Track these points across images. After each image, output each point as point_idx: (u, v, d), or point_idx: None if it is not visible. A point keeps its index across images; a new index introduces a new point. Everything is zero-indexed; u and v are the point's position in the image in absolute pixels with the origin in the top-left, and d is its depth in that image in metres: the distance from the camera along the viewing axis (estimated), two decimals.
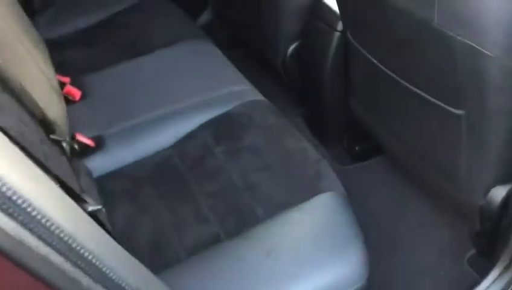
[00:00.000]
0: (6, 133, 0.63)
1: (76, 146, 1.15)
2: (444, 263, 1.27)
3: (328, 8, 1.45)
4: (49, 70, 1.16)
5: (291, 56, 1.63)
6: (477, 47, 0.88)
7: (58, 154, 0.97)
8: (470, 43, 0.88)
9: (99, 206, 0.78)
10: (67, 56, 1.60)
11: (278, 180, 1.09)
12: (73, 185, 0.85)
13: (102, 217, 0.80)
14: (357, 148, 1.57)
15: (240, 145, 1.18)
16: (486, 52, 0.87)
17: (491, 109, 0.95)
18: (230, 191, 1.08)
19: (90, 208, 0.76)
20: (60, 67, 1.52)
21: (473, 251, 1.27)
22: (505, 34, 0.85)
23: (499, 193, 1.04)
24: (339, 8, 1.31)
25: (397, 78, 1.11)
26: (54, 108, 1.08)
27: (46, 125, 0.98)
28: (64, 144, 1.07)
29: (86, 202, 0.78)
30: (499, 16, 0.84)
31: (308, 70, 1.60)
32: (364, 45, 1.22)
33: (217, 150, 1.18)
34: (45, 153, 0.88)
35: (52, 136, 0.98)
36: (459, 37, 0.89)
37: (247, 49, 1.94)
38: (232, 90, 1.35)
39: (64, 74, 1.44)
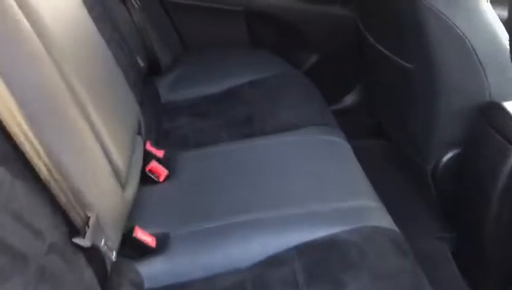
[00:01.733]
0: None
1: (128, 243, 0.89)
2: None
3: (506, 113, 1.03)
4: (118, 149, 0.92)
5: (446, 166, 1.23)
6: None
7: (73, 267, 0.70)
8: None
9: None
10: (175, 124, 1.40)
11: None
12: None
13: None
14: None
15: None
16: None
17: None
18: None
19: None
20: (163, 136, 1.33)
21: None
22: None
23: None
24: None
25: None
26: (105, 199, 0.83)
27: (77, 223, 0.73)
28: (109, 243, 0.81)
29: None
30: None
31: (469, 188, 1.18)
32: None
33: None
34: (42, 268, 0.62)
35: (75, 240, 0.72)
36: None
37: (388, 143, 1.57)
38: (351, 205, 0.98)
39: (161, 146, 1.22)
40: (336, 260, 0.85)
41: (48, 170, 0.69)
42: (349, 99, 1.80)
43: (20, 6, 0.74)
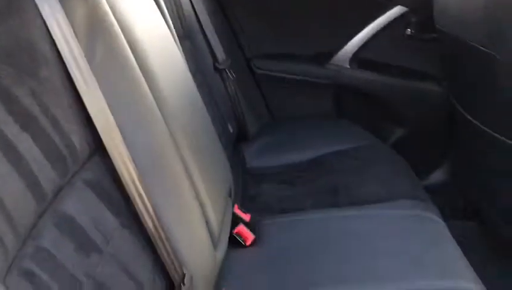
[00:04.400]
0: None
1: None
2: None
3: None
4: (213, 208, 0.94)
5: None
6: None
7: None
8: None
9: None
10: (260, 191, 1.41)
11: None
12: None
13: None
14: None
15: None
16: None
17: None
18: None
19: None
20: (248, 201, 1.34)
21: None
22: None
23: None
24: None
25: None
26: (198, 257, 0.83)
27: (174, 279, 0.74)
28: None
29: None
30: None
31: None
32: None
33: None
34: None
35: None
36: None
37: (481, 223, 1.48)
38: (448, 286, 0.92)
39: (247, 211, 1.23)
40: None
41: (154, 224, 0.71)
42: (436, 177, 1.74)
43: (140, 66, 0.80)
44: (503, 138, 1.18)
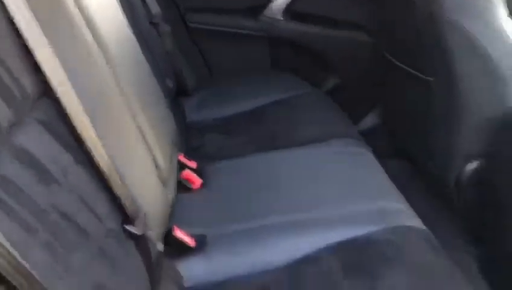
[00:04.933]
0: None
1: (168, 242, 0.93)
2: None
3: None
4: (161, 152, 0.98)
5: (470, 177, 1.26)
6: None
7: (126, 252, 0.75)
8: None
9: None
10: (202, 140, 1.45)
11: None
12: None
13: None
14: None
15: (377, 285, 0.83)
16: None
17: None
18: None
19: None
20: (190, 150, 1.38)
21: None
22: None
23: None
24: None
25: None
26: (150, 195, 0.88)
27: (129, 212, 0.78)
28: (150, 238, 0.85)
29: None
30: None
31: (493, 199, 1.21)
32: None
33: (344, 285, 0.85)
34: (102, 249, 0.67)
35: (128, 227, 0.76)
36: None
37: (411, 161, 1.61)
38: (381, 207, 1.02)
39: (191, 159, 1.28)
40: (373, 255, 0.88)
41: (105, 162, 0.74)
42: (368, 121, 1.85)
43: (85, 18, 0.81)
44: (425, 77, 1.28)
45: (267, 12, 1.76)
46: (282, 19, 1.77)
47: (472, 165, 1.25)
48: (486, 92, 1.16)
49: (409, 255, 0.88)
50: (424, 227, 0.97)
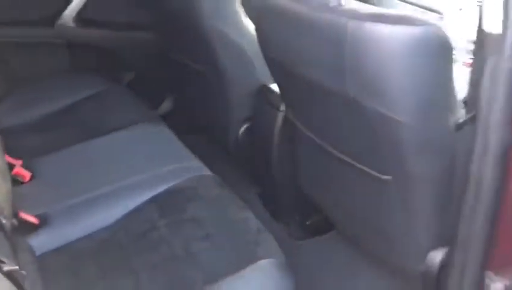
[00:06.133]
0: None
1: (16, 223, 1.15)
2: None
3: (272, 91, 1.54)
4: None
5: (243, 137, 1.70)
6: (388, 114, 0.91)
7: None
8: (381, 111, 0.92)
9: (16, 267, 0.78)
10: (23, 141, 1.64)
11: (218, 248, 1.10)
12: None
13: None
14: (308, 223, 1.59)
15: (183, 217, 1.20)
16: (397, 118, 0.90)
17: (413, 174, 0.97)
18: (171, 262, 1.08)
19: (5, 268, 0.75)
20: (13, 151, 1.56)
21: None
22: (414, 102, 0.90)
23: (436, 257, 1.04)
24: (280, 90, 1.40)
25: (332, 150, 1.17)
26: None
27: None
28: (4, 221, 1.07)
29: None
30: (406, 84, 0.89)
31: (258, 149, 1.66)
32: (302, 121, 1.29)
33: (161, 223, 1.19)
34: None
35: None
36: (371, 106, 0.94)
37: (204, 134, 2.02)
38: (180, 166, 1.39)
39: (16, 158, 1.47)
40: (178, 198, 1.25)
41: None
42: (166, 106, 2.21)
43: None
44: (198, 67, 1.68)
45: (61, 20, 1.98)
46: (73, 25, 2.01)
47: (244, 127, 1.70)
48: (244, 74, 1.59)
49: (202, 193, 1.27)
50: (212, 174, 1.37)
